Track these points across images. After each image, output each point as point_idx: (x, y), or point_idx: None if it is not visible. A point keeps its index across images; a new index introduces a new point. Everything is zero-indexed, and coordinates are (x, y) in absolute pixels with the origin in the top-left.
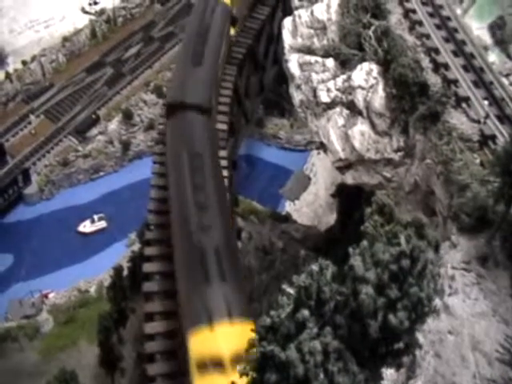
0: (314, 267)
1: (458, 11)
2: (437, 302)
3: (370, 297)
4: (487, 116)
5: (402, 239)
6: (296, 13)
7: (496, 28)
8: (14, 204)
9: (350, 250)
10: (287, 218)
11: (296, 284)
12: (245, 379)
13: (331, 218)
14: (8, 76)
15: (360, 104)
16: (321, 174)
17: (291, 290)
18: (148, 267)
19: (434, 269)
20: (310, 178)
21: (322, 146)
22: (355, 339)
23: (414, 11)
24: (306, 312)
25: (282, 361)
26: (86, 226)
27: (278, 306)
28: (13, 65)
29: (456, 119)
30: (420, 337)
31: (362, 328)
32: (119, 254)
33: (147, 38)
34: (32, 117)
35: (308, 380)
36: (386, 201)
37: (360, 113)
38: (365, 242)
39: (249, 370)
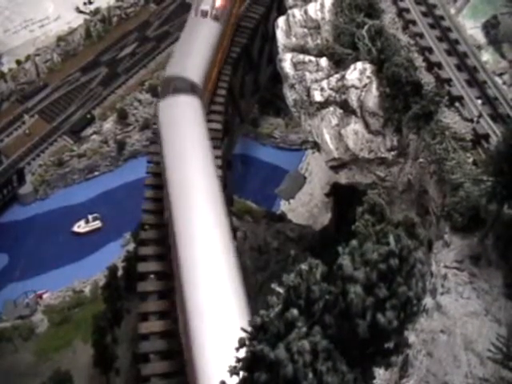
0: (304, 266)
1: (452, 10)
2: (428, 301)
3: (358, 296)
4: (480, 115)
5: (391, 239)
6: (290, 12)
7: (490, 27)
8: (8, 204)
9: (340, 249)
10: (282, 218)
11: (285, 283)
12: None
13: (326, 218)
14: (2, 76)
15: (353, 103)
16: (316, 173)
17: (281, 290)
18: (143, 267)
19: (422, 268)
20: (305, 178)
21: (316, 146)
22: (344, 339)
23: (407, 10)
24: (295, 311)
25: (272, 360)
26: (80, 226)
27: (268, 305)
28: (7, 64)
29: (449, 118)
30: (412, 336)
31: (351, 327)
32: (114, 253)
33: (142, 38)
34: (26, 117)
35: (297, 379)
36: (377, 200)
37: (353, 112)
38: (354, 242)
39: (239, 369)
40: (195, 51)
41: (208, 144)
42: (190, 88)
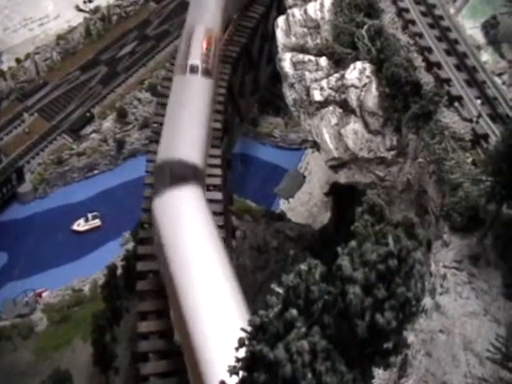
0: (303, 267)
1: (451, 10)
2: (427, 301)
3: (357, 297)
4: (479, 115)
5: (390, 239)
6: (289, 11)
7: (489, 27)
8: (7, 203)
9: (339, 249)
10: (282, 217)
11: (284, 283)
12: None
13: (326, 217)
14: (2, 74)
15: (353, 103)
16: (315, 172)
17: (280, 290)
18: (142, 266)
19: (421, 269)
20: (304, 177)
21: (316, 145)
22: (343, 339)
23: (407, 10)
24: (294, 311)
25: (271, 360)
26: (80, 225)
27: (268, 305)
28: (7, 63)
29: (448, 118)
30: (411, 336)
31: (350, 328)
32: (113, 252)
33: (142, 37)
34: (26, 115)
35: (296, 379)
36: (377, 200)
37: (353, 112)
38: (353, 242)
39: (238, 369)
40: (192, 124)
41: (221, 251)
42: (190, 174)
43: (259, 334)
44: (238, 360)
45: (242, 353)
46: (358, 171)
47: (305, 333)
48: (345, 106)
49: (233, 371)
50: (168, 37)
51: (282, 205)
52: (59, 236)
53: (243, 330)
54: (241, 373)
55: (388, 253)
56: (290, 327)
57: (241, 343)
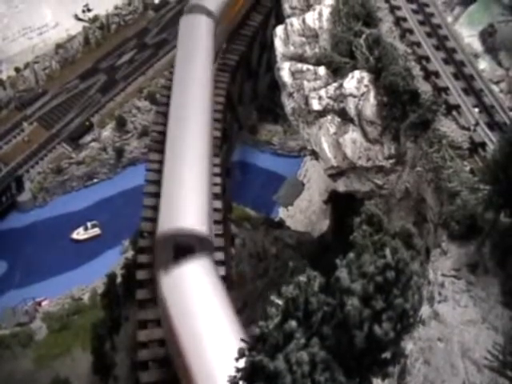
0: (302, 278)
1: (449, 19)
2: (426, 309)
3: (355, 308)
4: (477, 123)
5: (387, 251)
6: (288, 21)
7: (487, 35)
8: (7, 211)
9: (337, 261)
10: (281, 225)
11: (284, 295)
12: None
13: (325, 225)
14: (1, 83)
15: (351, 112)
16: (314, 180)
17: (279, 301)
18: (141, 274)
19: (419, 280)
20: (303, 184)
21: (314, 154)
22: (342, 349)
23: (404, 19)
24: (293, 323)
25: (271, 371)
26: (79, 234)
27: (267, 316)
28: (6, 72)
29: (446, 127)
30: (410, 344)
31: (349, 339)
32: (113, 261)
33: (141, 45)
34: (25, 124)
35: None
36: (375, 211)
37: (351, 121)
38: (351, 254)
39: (239, 379)
40: None
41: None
42: None
43: (259, 344)
44: (238, 370)
45: (241, 363)
46: (357, 180)
47: (304, 344)
48: (343, 114)
49: (233, 381)
50: (167, 45)
51: (281, 212)
52: (59, 245)
53: (243, 340)
54: (241, 383)
55: (385, 265)
56: (289, 338)
57: (241, 354)
